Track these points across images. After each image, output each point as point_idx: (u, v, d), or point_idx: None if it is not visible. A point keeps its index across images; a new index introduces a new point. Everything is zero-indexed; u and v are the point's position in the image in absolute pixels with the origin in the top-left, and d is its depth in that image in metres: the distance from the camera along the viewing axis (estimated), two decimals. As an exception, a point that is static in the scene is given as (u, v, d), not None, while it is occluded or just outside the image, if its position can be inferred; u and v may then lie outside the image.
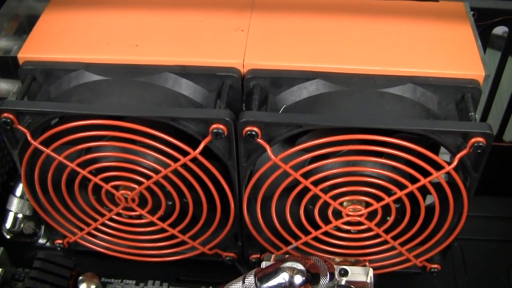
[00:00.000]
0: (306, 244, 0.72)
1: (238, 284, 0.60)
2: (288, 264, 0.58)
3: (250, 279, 0.60)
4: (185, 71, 0.66)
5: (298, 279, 0.58)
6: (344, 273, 0.65)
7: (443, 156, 0.66)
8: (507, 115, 0.89)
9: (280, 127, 0.61)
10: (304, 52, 0.66)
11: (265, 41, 0.67)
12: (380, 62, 0.65)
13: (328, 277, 0.60)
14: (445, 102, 0.65)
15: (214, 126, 0.60)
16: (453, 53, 0.67)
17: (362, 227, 0.70)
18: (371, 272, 0.66)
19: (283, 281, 0.58)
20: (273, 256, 0.70)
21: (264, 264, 0.66)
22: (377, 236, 0.71)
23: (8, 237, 0.80)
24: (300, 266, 0.58)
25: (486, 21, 0.77)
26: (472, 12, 0.73)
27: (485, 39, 0.79)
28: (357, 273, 0.66)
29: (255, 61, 0.65)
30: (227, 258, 0.77)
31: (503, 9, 0.77)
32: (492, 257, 0.85)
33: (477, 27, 0.72)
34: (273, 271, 0.59)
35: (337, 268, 0.65)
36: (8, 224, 0.79)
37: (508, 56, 0.83)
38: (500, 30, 0.81)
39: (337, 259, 0.72)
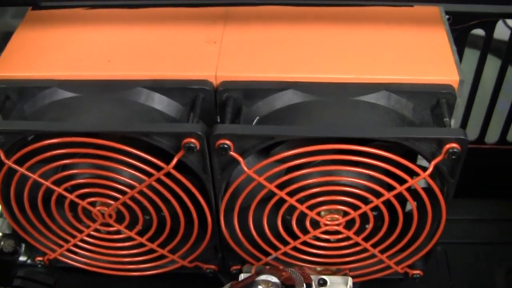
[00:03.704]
0: (286, 254, 0.72)
1: (214, 299, 0.60)
2: (263, 277, 0.58)
3: (226, 294, 0.60)
4: (157, 86, 0.65)
5: (273, 292, 0.58)
6: (323, 283, 0.65)
7: (422, 162, 0.66)
8: (488, 117, 0.89)
9: (253, 139, 0.61)
10: (277, 62, 0.66)
11: (238, 52, 0.67)
12: (354, 70, 0.65)
13: (304, 288, 0.60)
14: (420, 108, 0.65)
15: (186, 140, 0.60)
16: (427, 58, 0.67)
17: (341, 236, 0.70)
18: (350, 282, 0.66)
19: (258, 294, 0.58)
20: (253, 267, 0.70)
21: (242, 276, 0.66)
22: (357, 244, 0.71)
23: (-12, 256, 0.80)
24: (274, 279, 0.58)
25: (462, 24, 0.77)
26: (447, 16, 0.73)
27: (462, 43, 0.79)
28: (336, 283, 0.66)
29: (228, 73, 0.65)
30: (208, 270, 0.77)
31: (479, 12, 0.77)
32: (477, 260, 0.84)
33: (453, 31, 0.72)
34: (248, 285, 0.58)
35: (316, 278, 0.65)
36: (-13, 244, 0.79)
37: (485, 58, 0.83)
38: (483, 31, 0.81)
39: (319, 268, 0.72)
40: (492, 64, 0.89)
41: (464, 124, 0.89)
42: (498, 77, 0.85)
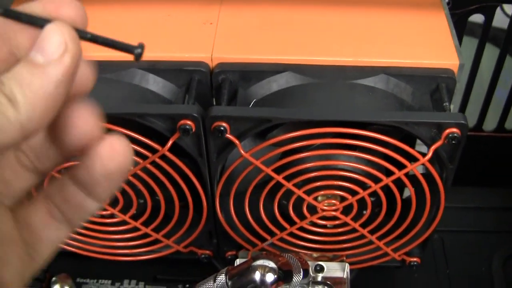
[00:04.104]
0: (282, 240, 0.71)
1: (210, 283, 0.59)
2: (260, 262, 0.57)
3: (221, 278, 0.58)
4: (152, 67, 0.64)
5: (270, 277, 0.57)
6: (320, 269, 0.64)
7: (421, 148, 0.65)
8: (486, 104, 0.88)
9: (250, 121, 0.59)
10: (274, 44, 0.65)
11: (234, 34, 0.66)
12: (352, 53, 0.64)
13: (301, 274, 0.59)
14: (419, 92, 0.64)
15: (182, 122, 0.59)
16: (427, 42, 0.66)
17: (338, 222, 0.69)
18: (347, 268, 0.66)
19: (255, 279, 0.57)
20: (249, 253, 0.69)
21: (238, 262, 0.65)
22: (354, 230, 0.70)
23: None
24: (271, 264, 0.57)
25: (461, 9, 0.76)
26: (447, 0, 0.72)
27: (461, 28, 0.78)
28: (333, 269, 0.65)
29: (224, 54, 0.64)
30: (203, 255, 0.76)
31: (479, -3, 0.76)
32: (474, 249, 0.84)
33: (453, 15, 0.71)
34: (244, 270, 0.57)
35: (313, 265, 0.64)
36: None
37: (485, 44, 0.82)
38: (481, 18, 0.80)
39: (315, 254, 0.71)
40: (489, 52, 0.88)
41: (462, 111, 0.89)
42: (497, 65, 0.84)
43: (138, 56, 0.33)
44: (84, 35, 0.32)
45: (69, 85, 0.31)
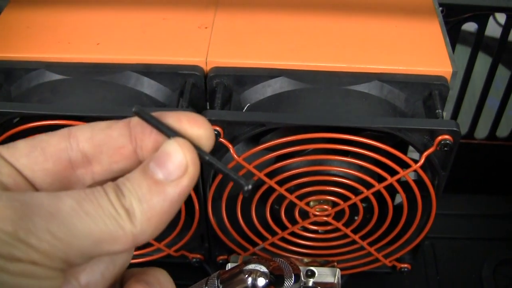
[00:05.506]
0: (274, 245, 0.71)
1: (201, 287, 0.59)
2: (251, 266, 0.57)
3: (213, 282, 0.58)
4: (147, 70, 0.64)
5: (261, 282, 0.56)
6: (311, 274, 0.64)
7: (413, 154, 0.65)
8: (478, 112, 0.88)
9: (243, 126, 0.60)
10: (269, 49, 0.65)
11: (229, 38, 0.66)
12: (346, 59, 0.64)
13: (293, 278, 0.59)
14: (412, 99, 0.64)
15: (175, 125, 0.59)
16: (420, 49, 0.66)
17: (329, 227, 0.69)
18: (338, 273, 0.65)
19: (246, 283, 0.57)
20: (240, 257, 0.69)
21: (229, 266, 0.65)
22: (345, 236, 0.70)
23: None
24: (263, 268, 0.57)
25: (455, 17, 0.76)
26: (440, 8, 0.72)
27: (455, 36, 0.78)
28: (324, 274, 0.65)
29: (219, 58, 0.64)
30: (194, 259, 0.76)
31: (472, 5, 0.76)
32: (464, 255, 0.84)
33: (446, 23, 0.71)
34: (236, 274, 0.57)
35: (304, 270, 0.64)
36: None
37: (477, 52, 0.82)
38: (473, 27, 0.81)
39: (306, 259, 0.71)
40: (482, 61, 0.88)
41: (454, 119, 0.89)
42: (489, 73, 0.85)
43: (246, 193, 0.33)
44: (203, 156, 0.33)
45: (182, 203, 0.32)
